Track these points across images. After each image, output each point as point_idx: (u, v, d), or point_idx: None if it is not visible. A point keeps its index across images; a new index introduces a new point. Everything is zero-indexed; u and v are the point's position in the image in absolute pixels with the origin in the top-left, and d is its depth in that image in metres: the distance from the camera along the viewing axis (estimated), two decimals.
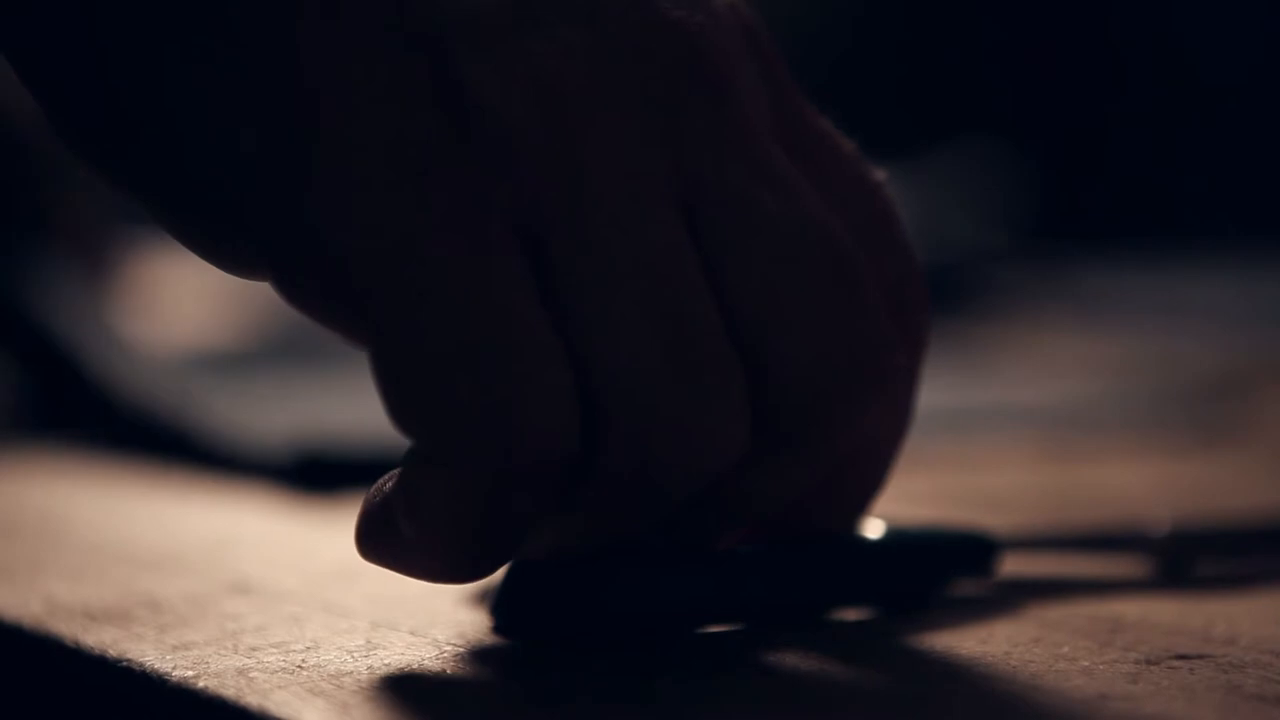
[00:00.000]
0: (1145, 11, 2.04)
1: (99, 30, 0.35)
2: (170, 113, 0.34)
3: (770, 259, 0.35)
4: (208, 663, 0.35)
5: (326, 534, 0.52)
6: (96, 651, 0.37)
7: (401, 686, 0.34)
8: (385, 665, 0.35)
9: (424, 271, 0.33)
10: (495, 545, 0.35)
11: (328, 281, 0.34)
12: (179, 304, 1.10)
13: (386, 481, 0.36)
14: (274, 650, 0.36)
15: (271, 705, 0.33)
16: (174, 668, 0.35)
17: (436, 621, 0.39)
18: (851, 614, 0.39)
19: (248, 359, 0.89)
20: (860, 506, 0.39)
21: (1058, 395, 0.79)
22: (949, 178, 1.38)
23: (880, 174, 0.39)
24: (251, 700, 0.33)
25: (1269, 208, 1.71)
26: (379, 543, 0.36)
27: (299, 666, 0.35)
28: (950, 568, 0.41)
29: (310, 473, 0.58)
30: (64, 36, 0.35)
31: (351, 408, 0.71)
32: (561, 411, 0.34)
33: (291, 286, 0.35)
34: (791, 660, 0.36)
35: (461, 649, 0.37)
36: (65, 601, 0.41)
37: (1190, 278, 1.18)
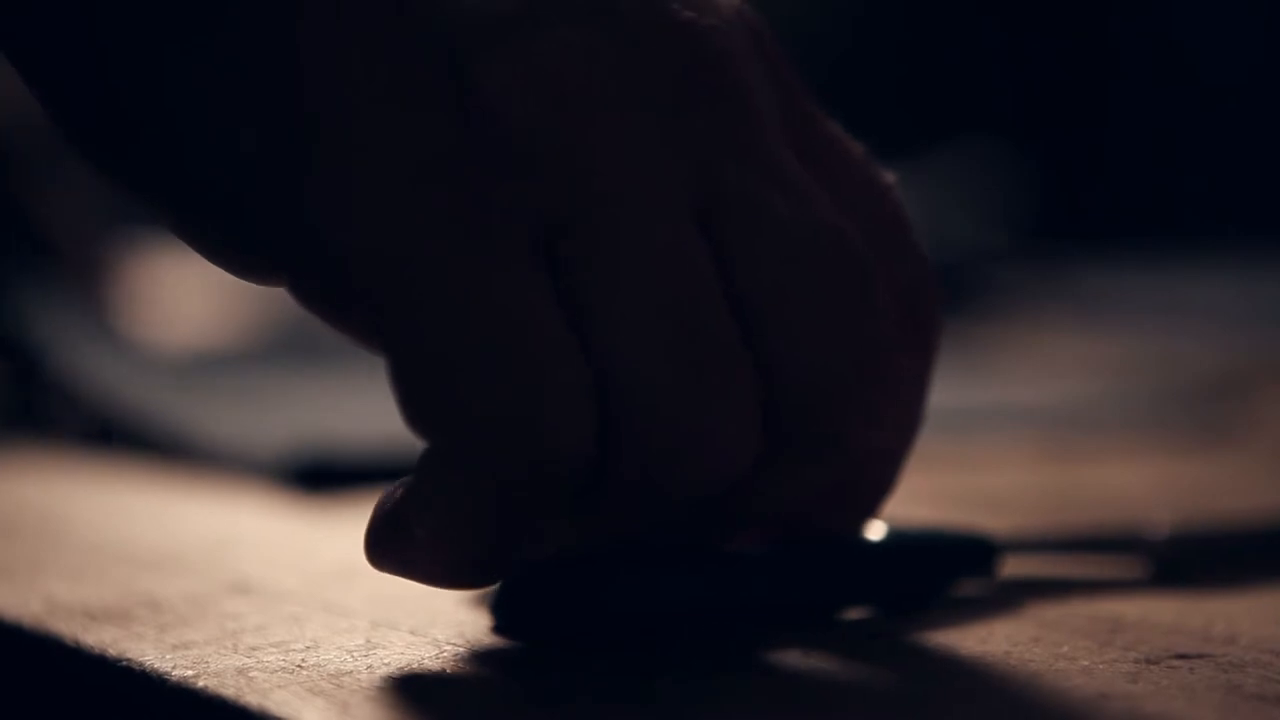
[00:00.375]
0: (1145, 11, 2.04)
1: (99, 30, 0.35)
2: (170, 112, 0.34)
3: (781, 262, 0.35)
4: (207, 662, 0.35)
5: (326, 534, 0.52)
6: (96, 651, 0.37)
7: (401, 686, 0.34)
8: (385, 665, 0.35)
9: (424, 271, 0.33)
10: (505, 548, 0.35)
11: (330, 282, 0.34)
12: (178, 305, 1.10)
13: (397, 489, 0.36)
14: (274, 650, 0.36)
15: (271, 705, 0.33)
16: (174, 667, 0.35)
17: (436, 621, 0.39)
18: (852, 614, 0.39)
19: (246, 360, 0.88)
20: (869, 510, 0.39)
21: (1058, 395, 0.79)
22: (949, 178, 1.38)
23: (890, 177, 0.39)
24: (251, 700, 0.33)
25: (1269, 208, 1.71)
26: (388, 549, 0.36)
27: (299, 666, 0.35)
28: (952, 570, 0.41)
29: (308, 476, 0.58)
30: (64, 36, 0.35)
31: (350, 409, 0.71)
32: (576, 412, 0.34)
33: (298, 289, 0.35)
34: (791, 660, 0.36)
35: (461, 649, 0.37)
36: (65, 601, 0.41)
37: (1190, 278, 1.18)
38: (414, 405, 0.34)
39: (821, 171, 0.37)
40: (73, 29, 0.35)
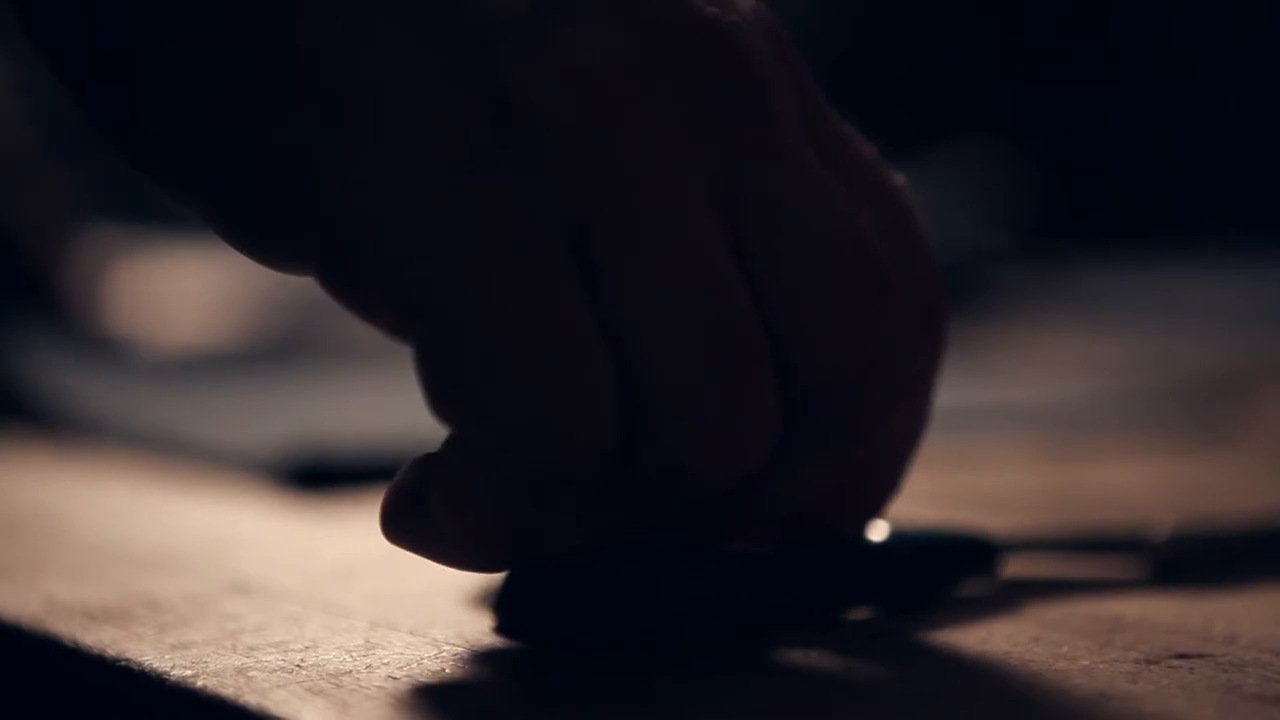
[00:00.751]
0: (1145, 11, 2.04)
1: (97, 23, 0.35)
2: (178, 104, 0.35)
3: (801, 259, 0.35)
4: (207, 662, 0.35)
5: (326, 534, 0.52)
6: (96, 651, 0.37)
7: (400, 686, 0.34)
8: (384, 665, 0.35)
9: (450, 261, 0.34)
10: (523, 536, 0.35)
11: (356, 272, 0.35)
12: (177, 305, 1.10)
13: (414, 465, 0.36)
14: (273, 650, 0.36)
15: (270, 704, 0.33)
16: (173, 667, 0.35)
17: (436, 621, 0.39)
18: (854, 614, 0.39)
19: (244, 360, 0.88)
20: (875, 509, 0.39)
21: (1058, 395, 0.79)
22: (949, 178, 1.38)
23: (900, 178, 0.39)
24: (250, 699, 0.33)
25: (1269, 208, 1.71)
26: (403, 526, 0.36)
27: (298, 666, 0.35)
28: (954, 571, 0.41)
29: (306, 475, 0.58)
30: (66, 25, 0.35)
31: (347, 409, 0.71)
32: (599, 404, 0.34)
33: (326, 279, 0.35)
34: (791, 660, 0.36)
35: (461, 649, 0.37)
36: (65, 601, 0.41)
37: (1190, 278, 1.18)
38: (439, 394, 0.34)
39: (836, 172, 0.37)
40: (72, 18, 0.35)
